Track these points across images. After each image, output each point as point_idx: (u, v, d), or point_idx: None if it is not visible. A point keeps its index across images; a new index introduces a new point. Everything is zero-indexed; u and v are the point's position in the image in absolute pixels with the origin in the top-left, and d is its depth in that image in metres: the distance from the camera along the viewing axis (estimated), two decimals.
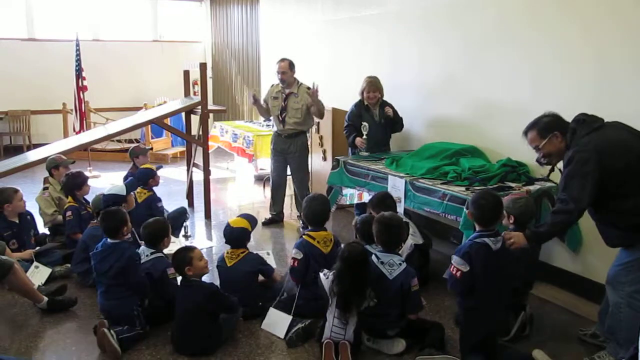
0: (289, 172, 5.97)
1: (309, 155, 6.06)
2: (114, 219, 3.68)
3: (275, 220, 6.02)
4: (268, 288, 3.96)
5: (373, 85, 5.29)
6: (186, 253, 3.47)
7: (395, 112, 5.33)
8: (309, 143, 5.94)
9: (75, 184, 4.92)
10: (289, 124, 5.67)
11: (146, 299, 3.66)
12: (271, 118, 5.96)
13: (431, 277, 4.30)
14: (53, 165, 5.26)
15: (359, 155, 5.25)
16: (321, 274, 3.41)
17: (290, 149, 5.77)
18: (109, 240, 3.65)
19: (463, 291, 3.17)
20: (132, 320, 3.48)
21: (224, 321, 3.49)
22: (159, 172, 5.38)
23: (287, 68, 5.59)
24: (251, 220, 4.00)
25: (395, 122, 5.37)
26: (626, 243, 3.04)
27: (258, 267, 3.87)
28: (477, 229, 3.19)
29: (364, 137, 5.24)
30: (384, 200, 4.13)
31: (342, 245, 3.42)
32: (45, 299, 3.89)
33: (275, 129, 5.90)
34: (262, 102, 5.85)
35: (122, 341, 3.35)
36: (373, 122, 5.31)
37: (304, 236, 3.86)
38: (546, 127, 3.12)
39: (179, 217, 5.28)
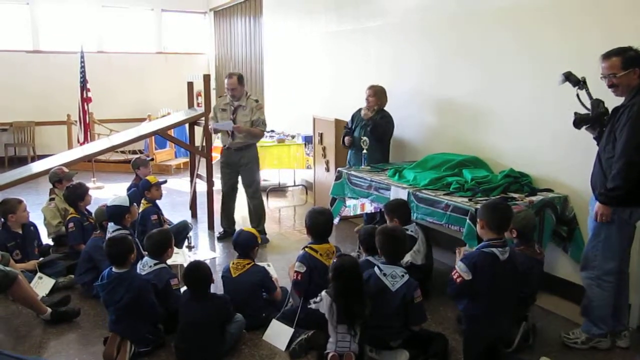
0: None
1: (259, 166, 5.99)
2: (120, 247, 3.54)
3: (230, 234, 5.60)
4: (272, 300, 3.96)
5: (371, 89, 5.48)
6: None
7: (380, 121, 5.38)
8: (259, 154, 5.91)
9: (76, 196, 4.93)
10: (238, 137, 5.57)
11: (159, 323, 3.60)
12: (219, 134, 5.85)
13: (434, 287, 4.30)
14: (56, 179, 5.29)
15: (364, 155, 5.30)
16: (312, 304, 3.39)
17: (242, 162, 5.69)
18: (114, 269, 3.51)
19: (458, 296, 3.20)
20: (146, 343, 3.47)
21: (229, 332, 3.49)
22: (163, 186, 5.39)
23: (236, 84, 5.52)
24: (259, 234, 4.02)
25: (376, 136, 5.37)
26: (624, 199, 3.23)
27: (263, 280, 3.87)
28: (486, 238, 3.19)
29: (364, 151, 5.27)
30: (400, 208, 4.17)
31: (333, 261, 3.40)
32: (49, 310, 3.89)
33: (222, 143, 5.78)
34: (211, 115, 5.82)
35: (137, 354, 3.40)
36: (360, 123, 5.50)
37: (306, 249, 3.85)
38: (631, 60, 3.18)
39: (181, 231, 5.29)
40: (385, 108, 5.49)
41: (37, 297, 3.96)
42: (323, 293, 3.30)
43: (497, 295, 3.12)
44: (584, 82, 3.47)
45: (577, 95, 3.46)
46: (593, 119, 3.42)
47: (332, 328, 3.26)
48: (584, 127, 3.49)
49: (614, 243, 3.36)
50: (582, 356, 3.47)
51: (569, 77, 3.48)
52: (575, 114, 3.49)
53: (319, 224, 3.89)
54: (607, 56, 3.24)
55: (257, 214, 5.84)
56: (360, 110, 5.58)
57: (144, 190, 5.23)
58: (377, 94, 5.46)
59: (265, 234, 5.83)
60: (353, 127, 5.60)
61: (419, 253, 4.11)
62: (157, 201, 5.33)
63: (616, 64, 3.19)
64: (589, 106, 3.45)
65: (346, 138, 5.58)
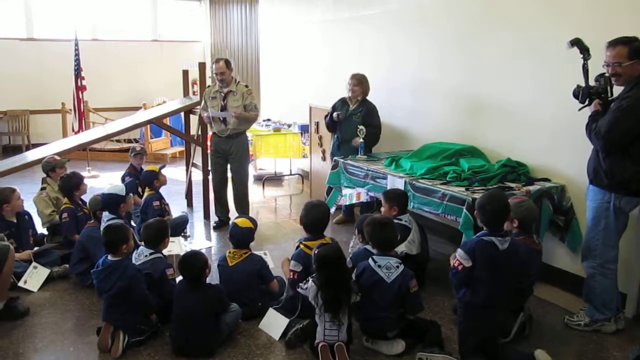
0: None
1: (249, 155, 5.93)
2: (115, 235, 3.52)
3: (225, 223, 5.74)
4: (268, 290, 3.94)
5: (355, 78, 5.46)
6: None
7: (370, 116, 5.39)
8: (254, 143, 5.85)
9: (70, 185, 4.88)
10: (230, 123, 5.52)
11: (152, 313, 3.57)
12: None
13: (430, 276, 4.29)
14: (49, 168, 5.26)
15: (361, 146, 5.27)
16: (298, 289, 3.39)
17: (232, 150, 5.66)
18: (109, 257, 3.50)
19: (460, 284, 3.18)
20: (139, 333, 3.46)
21: (224, 322, 3.48)
22: (162, 170, 5.41)
23: (224, 68, 5.49)
24: (253, 222, 3.98)
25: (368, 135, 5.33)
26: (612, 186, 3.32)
27: (259, 270, 3.84)
28: (486, 229, 3.16)
29: (361, 140, 5.24)
30: (399, 198, 4.14)
31: (315, 251, 3.36)
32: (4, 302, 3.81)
33: (214, 129, 5.71)
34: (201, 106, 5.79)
35: (131, 344, 3.39)
36: (344, 114, 5.49)
37: (300, 246, 3.76)
38: (638, 50, 3.17)
39: (180, 225, 5.31)
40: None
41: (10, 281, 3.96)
42: (310, 281, 3.30)
43: (495, 285, 3.11)
44: (588, 54, 3.37)
45: (583, 66, 3.37)
46: (590, 95, 3.37)
47: (318, 316, 3.25)
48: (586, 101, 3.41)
49: (612, 231, 3.41)
50: (578, 345, 3.48)
51: (577, 43, 3.38)
52: (578, 86, 3.44)
53: (314, 218, 3.78)
54: (613, 44, 3.21)
55: (241, 206, 5.86)
56: (341, 99, 5.55)
57: (153, 180, 5.25)
58: (361, 83, 5.43)
59: None
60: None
61: (413, 243, 4.09)
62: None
63: (623, 53, 3.17)
64: (590, 80, 3.40)
65: (334, 114, 5.51)
